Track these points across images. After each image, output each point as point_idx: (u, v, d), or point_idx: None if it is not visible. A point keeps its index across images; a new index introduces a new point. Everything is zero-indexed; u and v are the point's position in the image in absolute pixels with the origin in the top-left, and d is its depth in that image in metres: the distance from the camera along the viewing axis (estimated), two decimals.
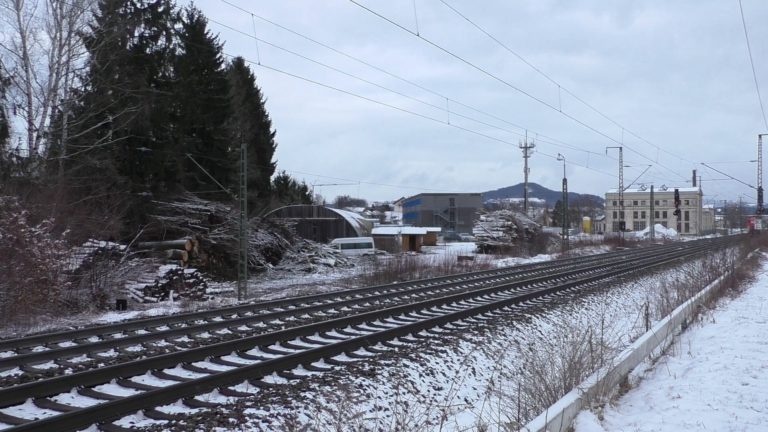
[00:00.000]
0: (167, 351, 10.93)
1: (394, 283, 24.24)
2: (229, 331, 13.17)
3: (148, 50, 29.54)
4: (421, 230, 69.96)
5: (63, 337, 12.05)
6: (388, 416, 7.51)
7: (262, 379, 8.78)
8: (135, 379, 8.89)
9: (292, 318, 14.95)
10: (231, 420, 6.68)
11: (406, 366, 9.50)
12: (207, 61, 34.53)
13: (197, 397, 7.82)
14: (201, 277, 22.02)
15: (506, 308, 16.12)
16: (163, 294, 19.78)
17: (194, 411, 7.23)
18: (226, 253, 29.76)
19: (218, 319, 14.77)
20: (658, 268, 28.89)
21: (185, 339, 12.34)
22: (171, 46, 31.67)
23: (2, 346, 10.91)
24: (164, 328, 13.54)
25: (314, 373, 9.12)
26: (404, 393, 8.62)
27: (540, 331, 13.64)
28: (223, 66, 36.39)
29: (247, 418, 6.79)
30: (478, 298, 18.56)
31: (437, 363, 10.04)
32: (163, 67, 30.92)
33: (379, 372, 9.00)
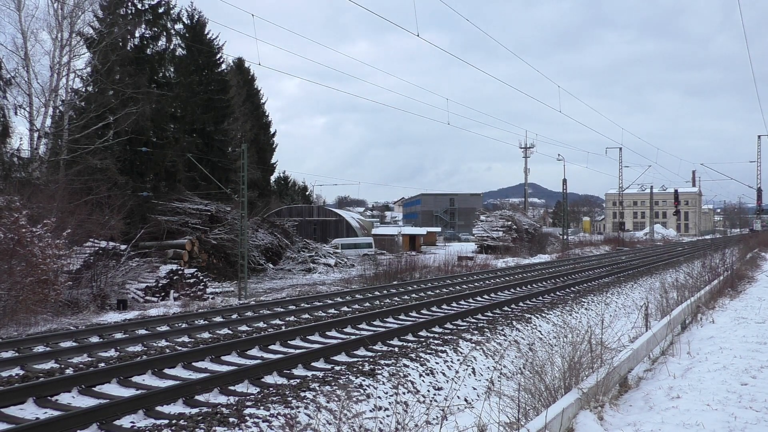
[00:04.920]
0: (168, 351, 10.95)
1: (394, 283, 24.26)
2: (230, 331, 13.19)
3: (148, 51, 29.55)
4: (421, 230, 69.95)
5: (64, 337, 12.07)
6: (388, 416, 7.53)
7: (263, 379, 8.80)
8: (135, 378, 8.91)
9: (292, 318, 14.97)
10: (231, 420, 6.70)
11: (406, 366, 9.52)
12: (207, 61, 34.55)
13: (197, 397, 7.84)
14: (201, 277, 22.03)
15: (506, 308, 16.14)
16: (163, 294, 19.79)
17: (194, 411, 7.25)
18: (227, 253, 29.77)
19: (218, 319, 14.79)
20: (657, 269, 28.90)
21: (186, 339, 12.36)
22: (171, 47, 31.72)
23: (3, 346, 10.93)
24: (165, 328, 13.56)
25: (314, 373, 9.14)
26: (404, 393, 8.64)
27: (540, 331, 13.65)
28: (223, 66, 36.43)
29: (247, 417, 6.80)
30: (478, 298, 18.58)
31: (437, 363, 10.05)
32: (164, 68, 30.93)
33: (379, 372, 9.02)
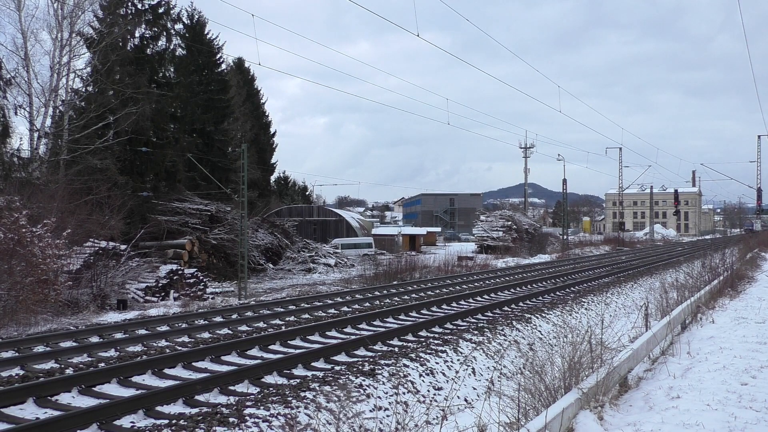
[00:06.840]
0: (168, 351, 10.95)
1: (394, 283, 24.26)
2: (230, 331, 13.19)
3: (148, 51, 29.52)
4: (421, 230, 69.92)
5: (64, 337, 12.07)
6: (388, 416, 7.53)
7: (263, 379, 8.81)
8: (135, 378, 8.92)
9: (292, 318, 14.97)
10: (231, 420, 6.70)
11: (406, 366, 9.52)
12: (207, 61, 34.57)
13: (197, 397, 7.84)
14: (201, 277, 22.04)
15: (506, 308, 16.14)
16: (163, 294, 19.80)
17: (194, 411, 7.25)
18: (227, 253, 29.77)
19: (218, 319, 14.79)
20: (657, 269, 28.90)
21: (186, 339, 12.36)
22: (171, 47, 31.69)
23: (3, 346, 10.93)
24: (165, 328, 13.56)
25: (314, 373, 9.14)
26: (404, 393, 8.64)
27: (540, 331, 13.65)
28: (223, 66, 36.45)
29: (247, 417, 6.80)
30: (478, 298, 18.58)
31: (437, 363, 10.05)
32: (164, 68, 30.92)
33: (379, 372, 9.02)
